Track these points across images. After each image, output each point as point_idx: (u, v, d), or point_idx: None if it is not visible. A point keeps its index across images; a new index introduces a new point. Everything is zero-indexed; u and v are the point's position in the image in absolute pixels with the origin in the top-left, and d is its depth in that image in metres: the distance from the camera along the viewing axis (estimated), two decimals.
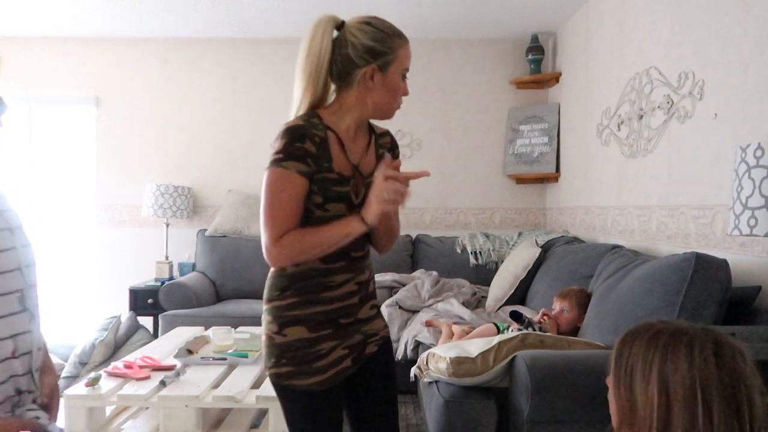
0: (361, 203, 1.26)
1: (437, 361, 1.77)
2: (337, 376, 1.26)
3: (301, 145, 1.17)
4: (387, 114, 1.28)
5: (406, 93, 1.28)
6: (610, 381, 0.92)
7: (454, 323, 2.66)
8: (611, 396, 0.91)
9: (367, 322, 1.33)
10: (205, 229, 3.94)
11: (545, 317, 2.28)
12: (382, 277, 3.36)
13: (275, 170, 1.17)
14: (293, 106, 1.27)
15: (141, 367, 2.11)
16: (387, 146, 1.37)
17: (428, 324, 2.70)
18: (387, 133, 1.39)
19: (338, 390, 1.29)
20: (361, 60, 1.22)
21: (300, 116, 1.23)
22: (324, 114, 1.25)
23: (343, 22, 1.28)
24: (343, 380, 1.29)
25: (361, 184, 1.27)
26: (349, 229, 1.19)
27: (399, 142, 4.03)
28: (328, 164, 1.21)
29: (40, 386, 1.01)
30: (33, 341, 0.93)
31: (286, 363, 1.23)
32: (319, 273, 1.25)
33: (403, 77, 1.26)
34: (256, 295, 3.73)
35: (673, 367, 0.82)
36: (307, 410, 1.24)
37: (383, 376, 1.35)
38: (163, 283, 3.61)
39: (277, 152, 1.17)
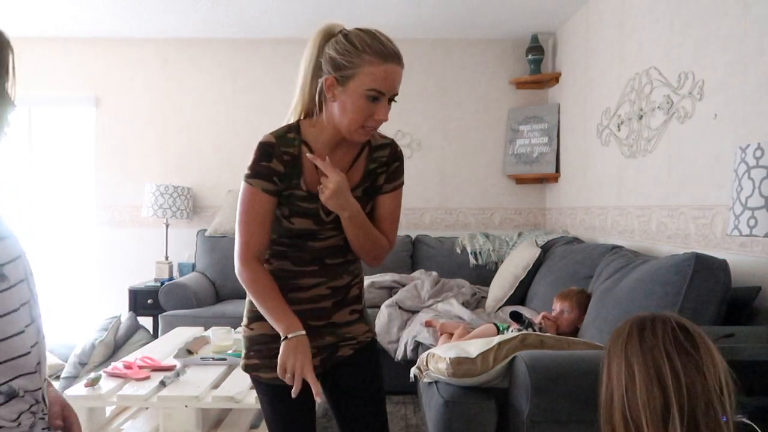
0: (334, 220, 1.25)
1: (437, 361, 1.77)
2: None
3: (267, 164, 1.19)
4: (345, 133, 1.19)
5: (378, 117, 1.16)
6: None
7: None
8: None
9: (344, 326, 1.32)
10: (205, 230, 3.94)
11: (545, 320, 2.28)
12: (381, 278, 3.36)
13: (245, 185, 1.22)
14: (288, 113, 1.29)
15: (141, 367, 2.11)
16: (383, 160, 1.30)
17: (428, 324, 2.70)
18: (388, 146, 1.31)
19: (308, 387, 1.27)
20: (325, 71, 1.18)
21: (279, 129, 1.24)
22: (306, 126, 1.24)
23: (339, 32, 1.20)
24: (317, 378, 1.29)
25: None
26: (278, 325, 1.19)
27: (399, 142, 4.02)
28: (297, 181, 1.22)
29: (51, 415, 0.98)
30: (41, 353, 0.92)
31: (254, 355, 1.29)
32: (290, 274, 1.27)
33: (374, 99, 1.15)
34: None
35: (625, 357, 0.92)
36: (272, 401, 1.29)
37: (363, 379, 1.34)
38: (162, 283, 3.61)
39: (248, 168, 1.21)
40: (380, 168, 1.30)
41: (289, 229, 1.25)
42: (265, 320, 1.26)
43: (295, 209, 1.23)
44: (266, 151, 1.20)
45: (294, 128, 1.24)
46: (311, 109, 1.25)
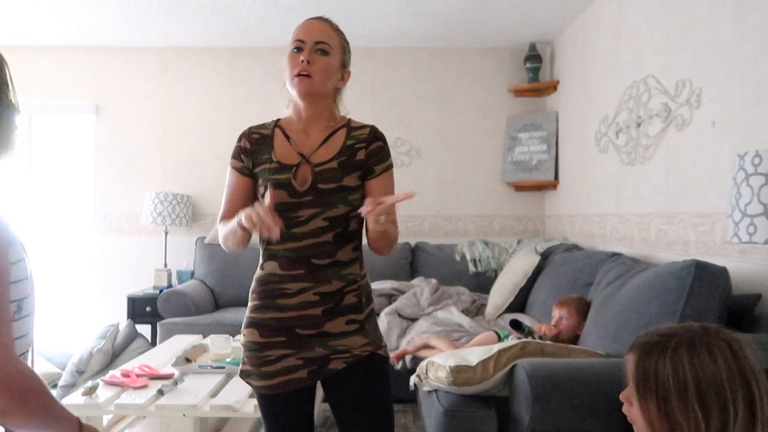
0: (309, 191, 1.26)
1: (437, 369, 1.76)
2: (287, 384, 1.26)
3: (238, 144, 1.38)
4: (291, 89, 1.30)
5: (301, 60, 1.27)
6: (629, 397, 0.92)
7: (436, 336, 2.62)
8: (636, 413, 0.90)
9: (338, 337, 1.26)
10: (204, 237, 3.93)
11: (548, 330, 2.27)
12: (381, 285, 3.35)
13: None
14: None
15: (138, 375, 2.10)
16: (362, 137, 1.33)
17: (399, 356, 2.63)
18: (367, 127, 1.36)
19: (298, 397, 1.29)
20: None
21: None
22: (287, 117, 1.38)
23: None
24: (307, 389, 1.29)
25: (308, 173, 1.28)
26: (234, 222, 1.21)
27: (397, 151, 4.04)
28: (267, 156, 1.32)
29: None
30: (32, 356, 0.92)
31: (246, 362, 1.32)
32: (278, 279, 1.28)
33: (297, 50, 1.29)
34: None
35: (704, 376, 0.85)
36: (263, 408, 1.33)
37: (361, 395, 1.28)
38: (161, 291, 3.60)
39: None
40: (359, 144, 1.32)
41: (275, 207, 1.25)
42: (255, 327, 1.29)
43: (269, 182, 1.28)
44: (240, 135, 1.39)
45: (274, 120, 1.40)
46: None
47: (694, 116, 2.22)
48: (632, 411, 0.91)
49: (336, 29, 1.33)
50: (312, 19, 1.32)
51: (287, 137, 1.33)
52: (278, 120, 1.38)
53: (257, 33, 3.84)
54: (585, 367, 1.60)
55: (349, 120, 1.37)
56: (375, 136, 1.35)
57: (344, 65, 1.35)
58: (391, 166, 1.36)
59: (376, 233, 1.19)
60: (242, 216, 1.17)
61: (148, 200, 3.85)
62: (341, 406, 1.31)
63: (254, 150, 1.34)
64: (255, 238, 1.28)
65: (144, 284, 4.00)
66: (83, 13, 3.50)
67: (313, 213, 1.26)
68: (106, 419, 2.08)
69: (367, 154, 1.32)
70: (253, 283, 1.33)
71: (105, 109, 4.14)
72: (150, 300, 3.63)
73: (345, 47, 1.35)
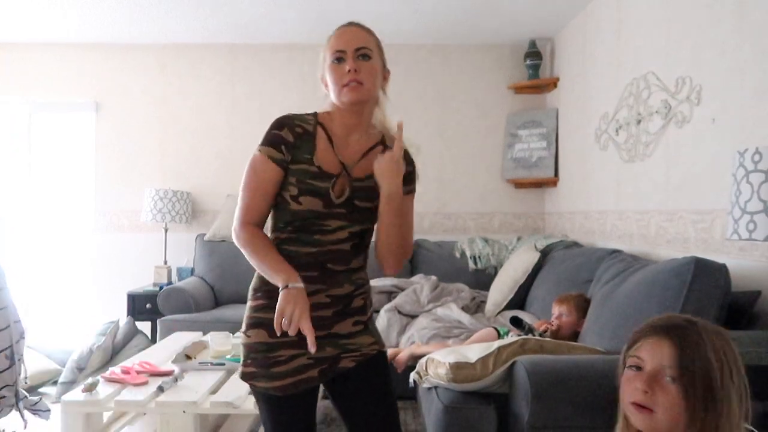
0: (343, 204, 1.25)
1: (436, 366, 1.76)
2: (298, 384, 1.25)
3: (278, 132, 1.25)
4: (339, 102, 1.26)
5: (348, 69, 1.23)
6: (655, 382, 0.90)
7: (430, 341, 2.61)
8: (669, 397, 0.89)
9: (347, 337, 1.28)
10: (204, 234, 3.93)
11: (549, 327, 2.27)
12: (380, 282, 3.35)
13: (254, 153, 1.26)
14: None
15: (138, 372, 2.10)
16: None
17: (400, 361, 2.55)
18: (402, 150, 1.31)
19: (306, 397, 1.28)
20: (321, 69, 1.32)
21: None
22: (322, 115, 1.31)
23: None
24: (311, 390, 1.27)
25: (347, 185, 1.26)
26: (276, 276, 1.18)
27: None
28: (309, 156, 1.25)
29: None
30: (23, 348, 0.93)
31: (251, 363, 1.26)
32: None
33: (339, 60, 1.25)
34: None
35: (734, 355, 0.92)
36: (269, 411, 1.27)
37: (370, 393, 1.30)
38: (161, 288, 3.60)
39: (261, 139, 1.27)
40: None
41: (295, 213, 1.24)
42: (263, 328, 1.25)
43: (305, 187, 1.23)
44: (280, 122, 1.27)
45: (311, 114, 1.31)
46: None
47: (694, 113, 2.21)
48: (660, 396, 0.90)
49: (369, 31, 1.31)
50: (345, 26, 1.30)
51: (330, 140, 1.27)
52: (317, 115, 1.30)
53: (256, 30, 3.83)
54: (585, 364, 1.61)
55: (383, 137, 1.34)
56: (408, 160, 1.34)
57: (384, 65, 1.33)
58: (413, 191, 1.36)
59: (388, 229, 1.24)
60: (283, 297, 1.13)
61: (147, 197, 3.85)
62: (351, 404, 1.30)
63: (297, 145, 1.25)
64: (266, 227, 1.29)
65: (144, 281, 4.00)
66: (83, 11, 3.49)
67: (340, 225, 1.25)
68: (106, 416, 2.09)
69: None
70: (257, 281, 1.29)
71: (104, 106, 4.13)
72: (150, 297, 3.63)
73: (381, 47, 1.32)
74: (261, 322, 1.26)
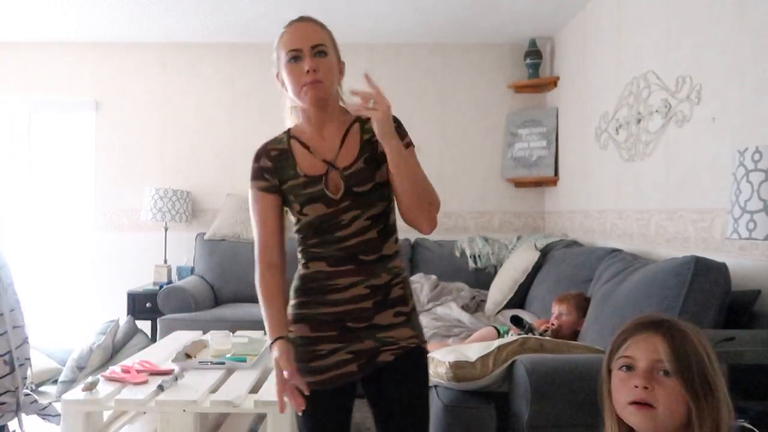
0: (345, 196, 1.24)
1: (436, 365, 1.76)
2: (337, 378, 1.26)
3: (257, 165, 1.31)
4: (301, 102, 1.26)
5: (307, 70, 1.22)
6: (651, 377, 0.90)
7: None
8: (668, 392, 0.89)
9: (387, 329, 1.26)
10: (204, 233, 3.93)
11: (550, 327, 2.27)
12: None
13: (250, 191, 1.32)
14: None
15: (139, 371, 2.10)
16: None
17: None
18: None
19: (344, 392, 1.28)
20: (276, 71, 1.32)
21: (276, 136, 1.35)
22: (294, 126, 1.34)
23: None
24: (350, 385, 1.27)
25: (339, 178, 1.26)
26: (270, 333, 1.23)
27: None
28: (293, 170, 1.28)
29: None
30: (28, 351, 0.93)
31: (295, 358, 1.27)
32: (325, 275, 1.27)
33: (295, 59, 1.23)
34: (255, 299, 3.67)
35: (710, 344, 0.93)
36: (307, 406, 1.25)
37: (405, 387, 1.27)
38: (161, 287, 3.60)
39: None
40: (375, 136, 1.25)
41: (309, 224, 1.26)
42: (305, 323, 1.29)
43: (302, 198, 1.26)
44: (256, 154, 1.32)
45: (285, 132, 1.35)
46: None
47: (695, 112, 2.21)
48: (659, 391, 0.89)
49: (322, 26, 1.30)
50: (298, 22, 1.27)
51: (306, 147, 1.29)
52: (289, 131, 1.33)
53: (256, 29, 3.83)
54: (584, 363, 1.61)
55: (358, 116, 1.31)
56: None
57: (339, 58, 1.32)
58: (412, 144, 1.29)
59: (400, 176, 1.21)
60: (275, 370, 1.20)
61: (147, 196, 3.85)
62: (385, 397, 1.28)
63: (277, 167, 1.29)
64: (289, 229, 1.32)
65: (144, 280, 4.00)
66: (82, 10, 3.49)
67: (354, 215, 1.25)
68: (106, 415, 2.09)
69: None
70: (297, 281, 1.31)
71: (104, 105, 4.13)
72: (150, 296, 3.63)
73: (334, 40, 1.31)
74: (303, 317, 1.28)
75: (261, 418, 2.18)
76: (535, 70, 3.93)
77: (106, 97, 4.12)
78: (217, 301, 3.76)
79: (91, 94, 4.11)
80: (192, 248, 4.01)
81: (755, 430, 1.20)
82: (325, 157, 1.27)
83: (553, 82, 3.87)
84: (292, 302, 1.31)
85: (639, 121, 2.66)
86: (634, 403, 0.90)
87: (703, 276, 1.69)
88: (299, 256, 1.32)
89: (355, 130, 1.30)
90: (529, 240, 3.56)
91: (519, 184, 4.08)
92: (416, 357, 1.29)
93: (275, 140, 1.33)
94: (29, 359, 1.36)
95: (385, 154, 1.23)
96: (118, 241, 4.11)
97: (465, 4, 3.39)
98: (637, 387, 0.90)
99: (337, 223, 1.25)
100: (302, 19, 1.28)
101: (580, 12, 3.45)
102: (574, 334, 2.23)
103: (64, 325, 4.02)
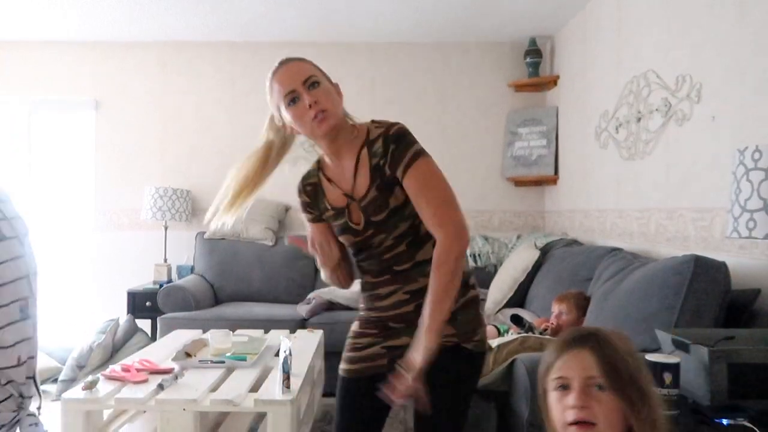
0: (366, 227, 1.30)
1: None
2: (366, 369, 1.33)
3: (300, 199, 1.41)
4: (318, 136, 1.27)
5: (309, 107, 1.23)
6: (588, 396, 0.88)
7: None
8: (606, 407, 0.87)
9: None
10: (204, 232, 3.93)
11: (549, 326, 2.27)
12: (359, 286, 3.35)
13: None
14: None
15: (139, 370, 2.10)
16: (380, 151, 1.27)
17: None
18: (379, 137, 1.27)
19: (372, 384, 1.28)
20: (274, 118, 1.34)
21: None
22: (322, 157, 1.38)
23: None
24: (378, 378, 1.27)
25: (358, 210, 1.30)
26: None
27: None
28: (324, 204, 1.37)
29: None
30: (33, 347, 0.93)
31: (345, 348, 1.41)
32: (371, 286, 1.36)
33: (293, 100, 1.25)
34: (255, 298, 3.72)
35: (637, 351, 0.95)
36: (337, 391, 1.38)
37: (433, 384, 1.21)
38: (161, 286, 3.60)
39: None
40: (381, 159, 1.27)
41: (349, 246, 1.37)
42: (359, 320, 1.39)
43: (336, 229, 1.36)
44: (298, 190, 1.41)
45: (316, 162, 1.41)
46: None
47: (695, 111, 2.21)
48: (597, 407, 0.87)
49: (303, 59, 1.32)
50: (279, 68, 1.29)
51: (330, 180, 1.36)
52: (319, 162, 1.40)
53: (256, 28, 3.83)
54: None
55: (368, 132, 1.30)
56: (387, 141, 1.27)
57: (331, 83, 1.33)
58: (411, 161, 1.25)
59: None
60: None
61: (147, 195, 3.85)
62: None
63: (313, 202, 1.39)
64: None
65: (144, 279, 4.00)
66: (82, 9, 3.49)
67: (381, 239, 1.30)
68: (106, 414, 2.09)
69: (389, 167, 1.27)
70: (361, 287, 1.42)
71: (104, 105, 4.13)
72: (150, 295, 3.63)
73: (319, 68, 1.32)
74: (360, 316, 1.40)
75: (261, 416, 2.18)
76: (535, 69, 3.93)
77: (106, 97, 4.12)
78: (217, 300, 3.76)
79: (91, 94, 4.11)
80: (192, 247, 4.01)
81: (755, 429, 1.20)
82: (344, 188, 1.33)
83: (553, 81, 3.87)
84: (359, 305, 1.43)
85: (639, 120, 2.66)
86: (575, 422, 0.88)
87: (703, 275, 1.69)
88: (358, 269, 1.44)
89: (365, 157, 1.29)
90: (529, 239, 3.56)
91: (519, 183, 4.08)
92: (451, 355, 1.25)
93: (308, 174, 1.40)
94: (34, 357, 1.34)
95: (394, 178, 1.27)
96: (118, 240, 4.11)
97: (465, 3, 3.38)
98: (574, 407, 0.88)
99: (368, 245, 1.32)
100: (282, 63, 1.31)
101: (580, 11, 3.45)
102: None
103: (64, 324, 4.03)
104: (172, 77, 4.13)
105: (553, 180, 3.88)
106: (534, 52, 3.90)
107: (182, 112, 4.13)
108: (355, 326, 1.40)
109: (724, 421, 1.25)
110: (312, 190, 1.38)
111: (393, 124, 1.30)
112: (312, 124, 1.23)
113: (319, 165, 1.38)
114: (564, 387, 0.91)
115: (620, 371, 0.88)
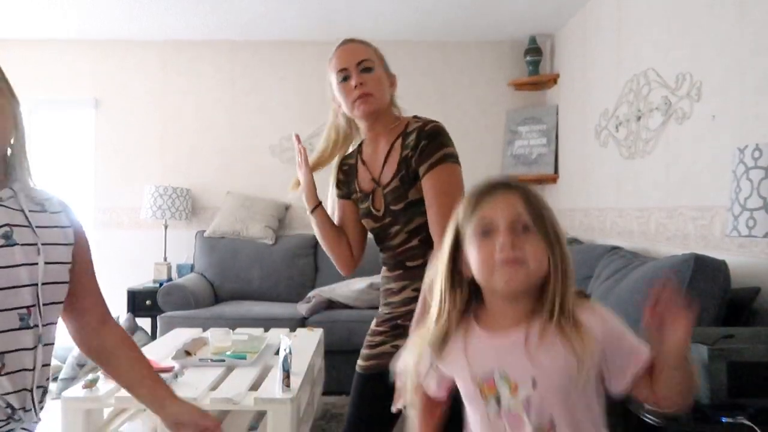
0: (385, 214, 1.34)
1: None
2: (375, 367, 1.36)
3: (335, 176, 1.47)
4: (357, 116, 1.35)
5: (355, 87, 1.31)
6: (520, 238, 0.87)
7: None
8: (532, 248, 0.87)
9: None
10: (204, 231, 3.93)
11: None
12: (378, 279, 3.35)
13: None
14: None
15: None
16: (411, 144, 1.31)
17: None
18: (415, 130, 1.32)
19: (379, 382, 1.28)
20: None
21: None
22: (364, 140, 1.44)
23: None
24: (386, 375, 1.27)
25: (381, 196, 1.35)
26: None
27: None
28: (354, 186, 1.43)
29: None
30: (32, 359, 0.91)
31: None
32: (386, 280, 1.42)
33: (345, 78, 1.33)
34: (255, 297, 3.72)
35: None
36: (352, 385, 1.43)
37: None
38: (161, 284, 3.61)
39: None
40: (411, 152, 1.32)
41: (370, 233, 1.43)
42: (377, 317, 1.43)
43: (361, 212, 1.42)
44: (335, 165, 1.47)
45: (359, 143, 1.47)
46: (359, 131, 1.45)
47: (695, 110, 2.21)
48: (527, 246, 0.85)
49: (367, 44, 1.39)
50: (343, 45, 1.37)
51: (364, 162, 1.41)
52: (360, 144, 1.45)
53: (256, 27, 3.82)
54: None
55: (408, 124, 1.36)
56: (420, 136, 1.31)
57: (388, 72, 1.41)
58: (437, 162, 1.28)
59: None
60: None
61: (147, 194, 3.85)
62: None
63: (346, 181, 1.45)
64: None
65: (144, 278, 4.00)
66: (82, 8, 3.48)
67: (397, 229, 1.35)
68: (106, 412, 2.09)
69: (415, 161, 1.31)
70: (380, 284, 1.47)
71: (104, 103, 4.12)
72: (150, 293, 3.63)
73: (381, 56, 1.40)
74: (378, 313, 1.44)
75: (261, 415, 2.18)
76: (535, 67, 3.93)
77: (105, 95, 4.12)
78: (217, 298, 3.76)
79: (91, 92, 4.11)
80: (192, 246, 4.01)
81: (755, 427, 1.21)
82: (374, 174, 1.38)
83: (553, 80, 3.87)
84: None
85: (639, 118, 2.66)
86: (507, 261, 0.85)
87: (703, 273, 1.69)
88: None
89: (398, 146, 1.35)
90: None
91: (519, 181, 4.08)
92: None
93: (349, 154, 1.46)
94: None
95: (415, 171, 1.30)
96: (118, 238, 4.11)
97: (465, 2, 3.38)
98: (504, 247, 0.85)
99: (386, 235, 1.38)
100: (346, 42, 1.38)
101: (580, 9, 3.44)
102: None
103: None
104: (172, 76, 4.13)
105: (553, 179, 3.88)
106: (534, 51, 3.90)
107: (182, 111, 4.13)
108: (373, 323, 1.45)
109: (724, 420, 1.26)
110: (348, 170, 1.44)
111: (431, 121, 1.36)
112: (353, 104, 1.33)
113: (359, 147, 1.44)
114: (487, 232, 0.87)
115: (542, 213, 0.89)
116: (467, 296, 0.92)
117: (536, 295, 0.88)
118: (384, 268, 1.43)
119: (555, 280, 0.86)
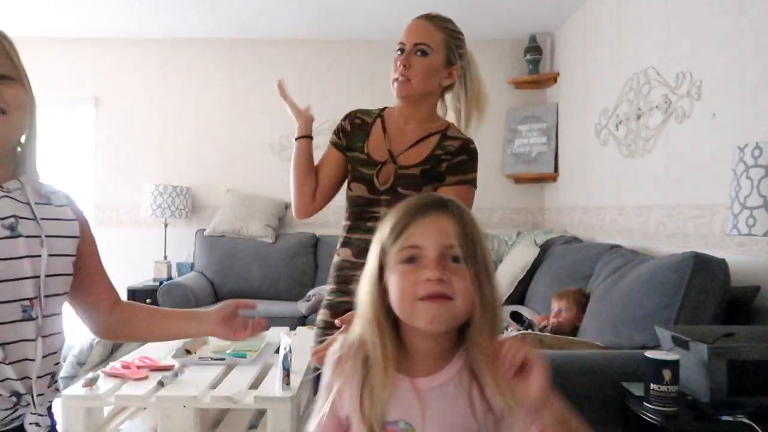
0: (387, 191, 1.29)
1: None
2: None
3: (341, 122, 1.40)
4: (394, 92, 1.32)
5: (399, 64, 1.30)
6: (447, 270, 0.74)
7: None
8: (462, 279, 0.75)
9: None
10: (204, 229, 3.93)
11: (548, 325, 2.27)
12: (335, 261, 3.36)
13: None
14: None
15: (139, 367, 2.11)
16: (451, 149, 1.32)
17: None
18: (460, 139, 1.34)
19: None
20: None
21: None
22: (391, 107, 1.40)
23: None
24: None
25: (391, 173, 1.30)
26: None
27: None
28: (361, 144, 1.35)
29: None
30: (33, 350, 0.92)
31: (315, 338, 1.39)
32: (350, 265, 1.31)
33: (400, 51, 1.32)
34: (254, 295, 3.72)
35: None
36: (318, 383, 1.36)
37: None
38: (161, 283, 3.61)
39: None
40: (445, 155, 1.32)
41: (351, 200, 1.34)
42: (328, 309, 1.34)
43: (355, 173, 1.33)
44: (345, 114, 1.41)
45: (381, 108, 1.42)
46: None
47: (695, 108, 2.21)
48: (455, 280, 0.74)
49: (440, 26, 1.36)
50: (416, 18, 1.35)
51: (384, 130, 1.35)
52: (384, 108, 1.40)
53: (256, 25, 3.82)
54: (584, 359, 1.61)
55: (448, 127, 1.36)
56: (463, 149, 1.33)
57: (450, 62, 1.35)
58: (468, 182, 1.32)
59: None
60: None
61: (147, 192, 3.85)
62: None
63: (352, 133, 1.37)
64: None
65: (144, 276, 4.00)
66: (82, 6, 3.48)
67: (387, 212, 1.27)
68: (106, 410, 2.09)
69: (447, 166, 1.31)
70: (331, 268, 1.38)
71: (104, 102, 4.12)
72: (150, 292, 3.63)
73: (450, 44, 1.35)
74: (328, 303, 1.37)
75: (261, 413, 2.18)
76: (535, 66, 3.93)
77: (105, 94, 4.12)
78: (217, 297, 3.76)
79: (91, 91, 4.10)
80: (192, 244, 4.01)
81: (755, 426, 1.21)
82: (392, 148, 1.33)
83: (553, 78, 3.86)
84: (327, 288, 1.37)
85: (639, 117, 2.66)
86: (430, 297, 0.74)
87: (703, 272, 1.69)
88: (338, 242, 1.37)
89: (434, 141, 1.33)
90: (528, 236, 3.56)
91: (519, 180, 4.08)
92: None
93: (367, 111, 1.40)
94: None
95: (441, 174, 1.30)
96: (118, 237, 4.11)
97: (465, 1, 3.38)
98: (429, 280, 0.73)
99: (371, 212, 1.30)
100: (421, 17, 1.37)
101: (580, 8, 3.44)
102: (574, 330, 2.23)
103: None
104: (172, 74, 4.13)
105: (553, 177, 3.87)
106: (534, 49, 3.89)
107: (182, 110, 4.13)
108: (324, 316, 1.34)
109: (724, 418, 1.26)
110: (360, 124, 1.38)
111: (473, 141, 1.37)
112: (393, 81, 1.31)
113: (382, 112, 1.39)
114: (413, 259, 0.75)
115: (476, 243, 0.77)
116: (394, 335, 0.78)
117: (457, 335, 0.77)
118: (348, 251, 1.31)
119: (482, 320, 0.75)
